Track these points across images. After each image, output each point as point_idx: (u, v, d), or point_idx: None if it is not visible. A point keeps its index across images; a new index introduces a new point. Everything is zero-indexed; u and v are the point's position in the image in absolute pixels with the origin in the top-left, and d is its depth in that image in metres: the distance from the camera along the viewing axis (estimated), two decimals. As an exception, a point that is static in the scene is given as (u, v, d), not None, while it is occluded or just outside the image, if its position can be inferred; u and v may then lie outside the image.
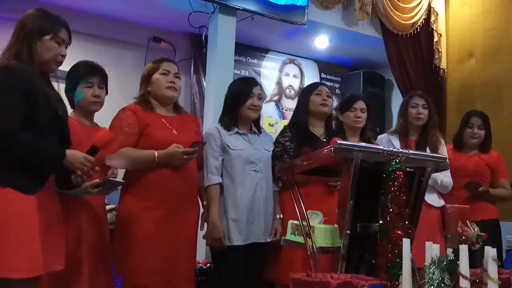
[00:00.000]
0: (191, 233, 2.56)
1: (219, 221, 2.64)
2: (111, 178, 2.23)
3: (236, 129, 2.78)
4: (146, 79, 2.59)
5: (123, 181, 2.31)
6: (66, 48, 2.05)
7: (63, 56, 2.03)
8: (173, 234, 2.42)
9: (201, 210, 2.72)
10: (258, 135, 2.87)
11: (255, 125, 2.88)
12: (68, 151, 1.93)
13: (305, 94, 3.01)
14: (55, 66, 2.03)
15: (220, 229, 2.63)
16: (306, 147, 2.78)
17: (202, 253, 3.99)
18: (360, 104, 3.04)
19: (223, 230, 2.64)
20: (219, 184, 2.69)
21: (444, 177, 3.13)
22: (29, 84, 1.87)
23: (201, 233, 2.70)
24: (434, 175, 2.90)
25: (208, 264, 3.74)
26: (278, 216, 2.80)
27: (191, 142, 2.46)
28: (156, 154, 2.39)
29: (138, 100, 2.58)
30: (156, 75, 2.56)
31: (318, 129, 2.93)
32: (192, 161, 2.53)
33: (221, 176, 2.71)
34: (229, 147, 2.72)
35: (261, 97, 2.88)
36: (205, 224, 2.70)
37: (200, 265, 3.74)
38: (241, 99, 2.78)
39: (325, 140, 2.87)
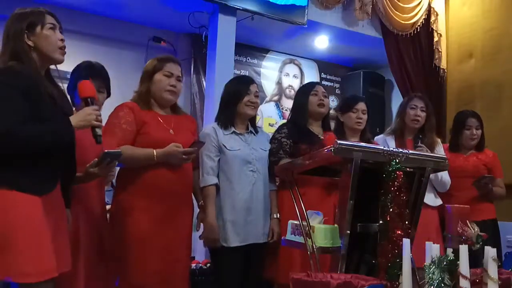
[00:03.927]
0: (187, 233, 2.54)
1: (215, 222, 2.62)
2: (106, 150, 2.10)
3: (233, 129, 2.77)
4: (148, 77, 2.56)
5: (120, 150, 2.21)
6: (60, 32, 2.00)
7: (63, 40, 1.99)
8: (169, 234, 2.41)
9: (197, 210, 2.70)
10: (255, 134, 2.85)
11: (251, 125, 2.87)
12: (71, 117, 1.91)
13: (302, 94, 3.00)
14: (60, 55, 1.99)
15: (217, 230, 2.61)
16: (303, 144, 2.77)
17: (202, 253, 3.99)
18: (362, 106, 3.04)
19: (220, 231, 2.62)
20: (215, 184, 2.67)
21: (444, 174, 3.15)
22: (30, 84, 1.83)
23: (196, 234, 2.68)
24: None
25: (208, 264, 3.74)
26: (275, 216, 2.79)
27: (188, 142, 2.44)
28: (155, 153, 2.38)
29: (136, 97, 2.56)
30: (158, 76, 2.53)
31: (315, 128, 2.94)
32: None
33: (218, 176, 2.69)
34: (226, 147, 2.70)
35: (258, 95, 2.86)
36: (201, 224, 2.68)
37: (200, 265, 3.74)
38: (238, 96, 2.77)
39: (322, 138, 2.87)
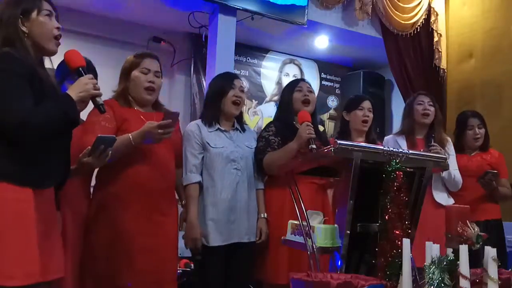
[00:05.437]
0: (173, 232, 2.48)
1: (197, 221, 2.57)
2: (100, 135, 2.00)
3: (217, 126, 2.72)
4: (125, 75, 2.48)
5: (114, 136, 2.12)
6: (57, 20, 1.89)
7: (59, 28, 1.88)
8: (154, 232, 2.35)
9: (180, 209, 2.66)
10: (241, 132, 2.81)
11: (238, 122, 2.83)
12: (69, 91, 1.81)
13: (287, 92, 2.96)
14: (54, 45, 1.88)
15: (198, 230, 2.56)
16: (290, 141, 2.72)
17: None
18: (368, 104, 3.02)
19: (201, 231, 2.57)
20: (198, 183, 2.62)
21: (457, 173, 3.14)
22: (31, 70, 1.75)
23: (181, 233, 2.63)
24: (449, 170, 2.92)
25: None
26: (262, 216, 2.74)
27: (171, 139, 2.36)
28: (131, 137, 2.26)
29: (116, 94, 2.49)
30: (135, 72, 2.46)
31: None
32: (171, 158, 2.49)
33: (201, 174, 2.64)
34: (209, 144, 2.65)
35: (243, 89, 2.81)
36: (184, 224, 2.63)
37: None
38: (222, 92, 2.73)
39: None
